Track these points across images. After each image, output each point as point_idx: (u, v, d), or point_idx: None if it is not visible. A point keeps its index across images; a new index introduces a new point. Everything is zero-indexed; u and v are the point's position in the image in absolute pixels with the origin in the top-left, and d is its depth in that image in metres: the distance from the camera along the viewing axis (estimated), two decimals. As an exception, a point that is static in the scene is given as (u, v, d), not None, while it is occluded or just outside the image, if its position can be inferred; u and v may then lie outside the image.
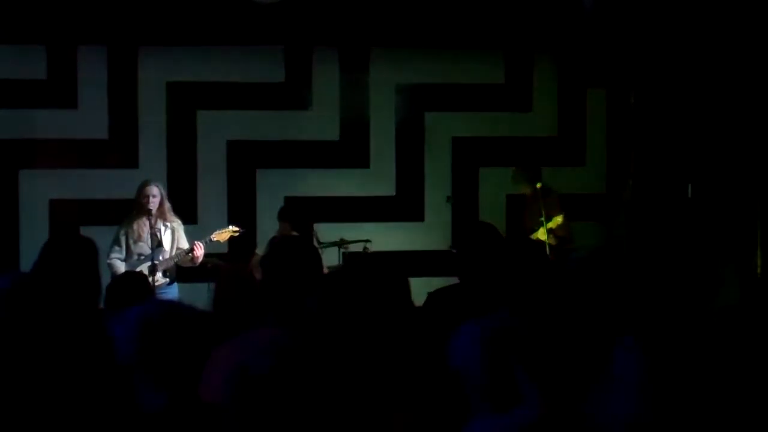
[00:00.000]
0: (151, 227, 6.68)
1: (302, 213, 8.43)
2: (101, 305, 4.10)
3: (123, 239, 6.81)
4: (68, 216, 8.38)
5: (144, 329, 2.24)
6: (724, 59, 7.67)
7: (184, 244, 6.86)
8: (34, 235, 8.15)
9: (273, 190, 8.74)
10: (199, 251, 6.79)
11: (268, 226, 8.42)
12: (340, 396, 2.23)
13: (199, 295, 7.52)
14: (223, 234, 7.15)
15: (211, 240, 7.02)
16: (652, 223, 8.34)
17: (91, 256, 3.56)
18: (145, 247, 6.75)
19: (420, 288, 3.93)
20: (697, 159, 8.08)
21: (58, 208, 8.41)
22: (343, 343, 2.55)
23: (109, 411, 2.17)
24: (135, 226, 6.79)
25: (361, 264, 3.52)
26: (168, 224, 6.84)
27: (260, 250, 8.08)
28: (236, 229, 7.28)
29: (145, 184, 6.84)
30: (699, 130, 8.04)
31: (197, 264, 6.95)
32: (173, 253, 6.82)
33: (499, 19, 8.49)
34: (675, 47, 8.11)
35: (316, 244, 8.10)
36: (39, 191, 8.37)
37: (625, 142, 8.92)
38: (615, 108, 9.06)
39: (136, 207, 6.79)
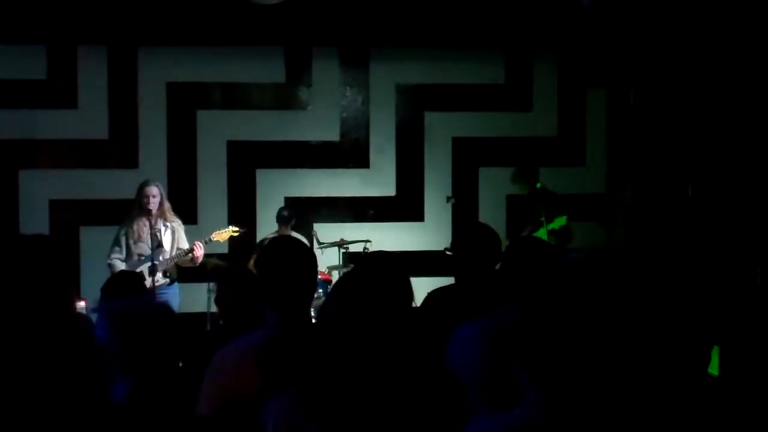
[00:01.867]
0: (151, 227, 6.67)
1: (301, 213, 8.45)
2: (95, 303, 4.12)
3: (123, 239, 6.80)
4: (68, 216, 8.39)
5: (117, 322, 2.29)
6: (724, 59, 7.66)
7: (184, 244, 6.86)
8: (34, 235, 8.15)
9: (273, 190, 8.74)
10: (199, 251, 6.79)
11: (268, 226, 8.43)
12: (341, 395, 2.23)
13: (199, 295, 7.56)
14: (223, 234, 7.16)
15: (210, 240, 7.02)
16: (652, 223, 8.34)
17: (48, 255, 3.47)
18: (145, 247, 6.75)
19: (420, 288, 3.93)
20: (697, 159, 8.08)
21: (58, 208, 8.42)
22: (343, 343, 2.55)
23: (85, 401, 2.19)
24: (135, 227, 6.78)
25: (366, 263, 3.52)
26: (168, 224, 6.83)
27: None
28: (236, 228, 7.29)
29: (145, 185, 6.83)
30: (699, 130, 8.03)
31: (197, 264, 6.95)
32: (173, 253, 6.82)
33: (499, 19, 8.49)
34: (675, 47, 8.10)
35: (316, 244, 8.12)
36: (39, 191, 8.37)
37: (625, 142, 8.92)
38: (615, 108, 9.06)
39: (137, 207, 6.79)
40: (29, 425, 2.03)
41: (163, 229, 6.79)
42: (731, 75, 7.61)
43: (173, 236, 6.86)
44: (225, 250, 8.15)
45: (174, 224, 6.89)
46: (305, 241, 7.50)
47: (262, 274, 2.87)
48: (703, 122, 7.99)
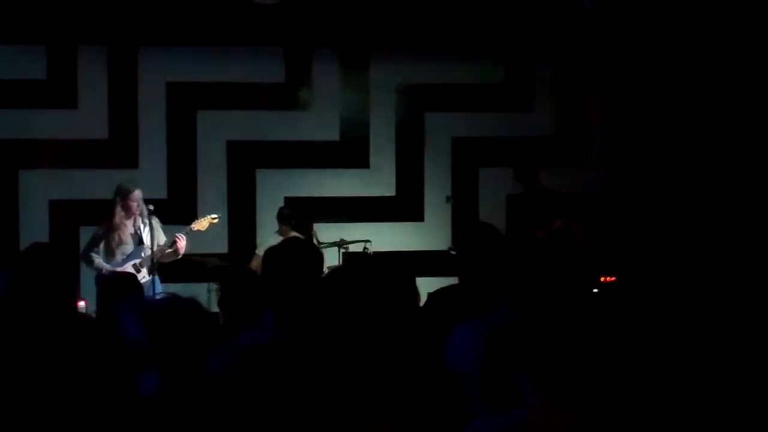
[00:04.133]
0: (133, 227, 6.79)
1: (301, 213, 8.45)
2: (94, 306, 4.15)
3: (103, 240, 6.88)
4: (68, 216, 8.38)
5: (153, 317, 2.31)
6: (723, 60, 7.67)
7: (163, 240, 6.94)
8: (34, 235, 8.13)
9: (273, 190, 8.74)
10: (182, 242, 6.86)
11: (268, 226, 8.42)
12: (337, 396, 2.23)
13: (199, 295, 7.55)
14: (203, 222, 7.16)
15: (191, 230, 7.04)
16: (651, 223, 8.34)
17: (63, 263, 3.53)
18: (127, 247, 6.85)
19: (420, 288, 3.93)
20: (696, 159, 8.08)
21: (58, 208, 8.41)
22: (342, 343, 2.55)
23: (110, 395, 2.21)
24: (117, 227, 6.86)
25: (366, 266, 3.53)
26: (146, 221, 6.90)
27: (260, 250, 8.09)
28: (215, 216, 7.27)
29: (131, 189, 6.90)
30: (698, 130, 8.04)
31: (180, 256, 6.98)
32: (155, 249, 6.88)
33: (498, 23, 8.48)
34: (674, 49, 8.11)
35: (315, 244, 8.12)
36: (39, 191, 8.37)
37: (625, 142, 8.92)
38: (615, 108, 9.05)
39: (120, 209, 6.85)
40: (48, 422, 2.05)
41: (141, 227, 6.87)
42: (730, 76, 7.61)
43: (152, 234, 6.93)
44: (225, 249, 8.16)
45: (153, 221, 6.96)
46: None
47: (269, 275, 2.87)
48: (702, 123, 8.00)
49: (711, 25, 7.64)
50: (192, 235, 7.06)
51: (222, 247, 7.85)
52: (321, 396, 1.94)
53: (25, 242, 8.13)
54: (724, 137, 7.74)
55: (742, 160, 7.56)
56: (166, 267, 7.13)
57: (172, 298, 2.56)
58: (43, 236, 8.23)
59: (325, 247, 8.08)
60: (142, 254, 6.77)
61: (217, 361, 2.03)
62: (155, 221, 6.98)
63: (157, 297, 2.52)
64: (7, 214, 8.32)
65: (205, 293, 7.49)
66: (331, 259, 8.18)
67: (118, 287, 4.19)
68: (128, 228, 6.84)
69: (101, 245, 6.89)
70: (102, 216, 7.38)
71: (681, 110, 8.24)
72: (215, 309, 6.92)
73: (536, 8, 8.35)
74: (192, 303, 2.41)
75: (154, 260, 6.86)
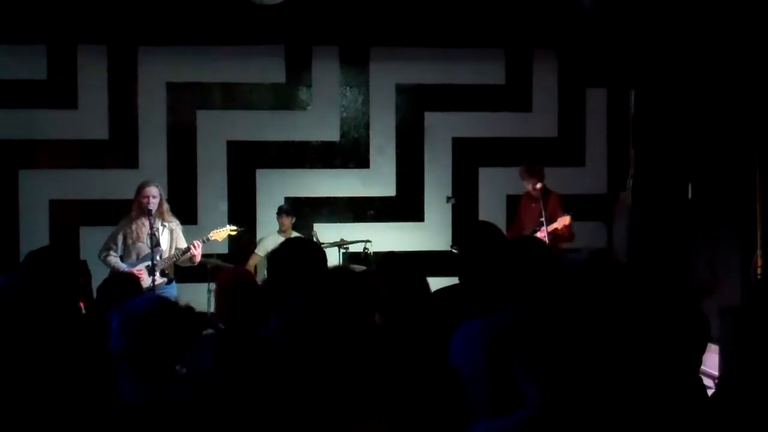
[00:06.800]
0: (150, 227, 6.67)
1: (301, 213, 8.45)
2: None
3: (120, 239, 6.80)
4: (68, 216, 8.38)
5: (133, 322, 2.30)
6: (724, 58, 7.67)
7: (183, 244, 6.86)
8: (34, 235, 8.16)
9: (273, 190, 8.74)
10: (197, 251, 6.78)
11: (268, 226, 8.43)
12: (330, 395, 2.23)
13: (199, 295, 7.55)
14: (221, 233, 7.14)
15: (208, 239, 7.00)
16: (652, 224, 8.33)
17: (69, 265, 3.54)
18: (143, 247, 6.75)
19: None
20: (697, 159, 8.08)
21: (58, 208, 8.42)
22: (337, 342, 2.55)
23: (93, 402, 2.20)
24: (134, 227, 6.78)
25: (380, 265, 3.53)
26: (166, 224, 6.84)
27: (259, 250, 8.10)
28: (234, 228, 7.27)
29: (144, 185, 6.83)
30: (699, 129, 8.03)
31: (196, 263, 6.95)
32: (171, 252, 6.82)
33: (499, 17, 8.48)
34: (675, 46, 8.10)
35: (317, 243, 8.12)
36: (39, 191, 8.37)
37: (625, 142, 8.92)
38: (615, 108, 9.06)
39: (136, 207, 6.79)
40: (37, 423, 2.04)
41: (161, 229, 6.79)
42: (731, 74, 7.61)
43: (171, 236, 6.87)
44: (225, 250, 8.15)
45: (172, 224, 6.89)
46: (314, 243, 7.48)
47: (274, 276, 2.87)
48: (703, 121, 7.99)
49: (713, 22, 7.63)
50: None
51: (222, 247, 7.84)
52: (315, 393, 1.94)
53: (25, 242, 8.16)
54: (726, 135, 7.73)
55: (744, 158, 7.55)
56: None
57: (148, 300, 2.54)
58: (43, 236, 8.23)
59: (326, 247, 8.07)
60: (158, 257, 6.68)
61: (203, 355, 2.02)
62: (176, 224, 6.92)
63: (134, 301, 2.49)
64: (7, 214, 8.33)
65: (205, 293, 7.50)
66: (331, 259, 8.19)
67: (114, 288, 4.18)
68: (145, 227, 6.74)
69: (119, 243, 6.81)
70: (103, 215, 7.37)
71: (682, 108, 8.24)
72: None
73: (537, 6, 8.34)
74: (167, 305, 2.40)
75: (169, 264, 6.80)
